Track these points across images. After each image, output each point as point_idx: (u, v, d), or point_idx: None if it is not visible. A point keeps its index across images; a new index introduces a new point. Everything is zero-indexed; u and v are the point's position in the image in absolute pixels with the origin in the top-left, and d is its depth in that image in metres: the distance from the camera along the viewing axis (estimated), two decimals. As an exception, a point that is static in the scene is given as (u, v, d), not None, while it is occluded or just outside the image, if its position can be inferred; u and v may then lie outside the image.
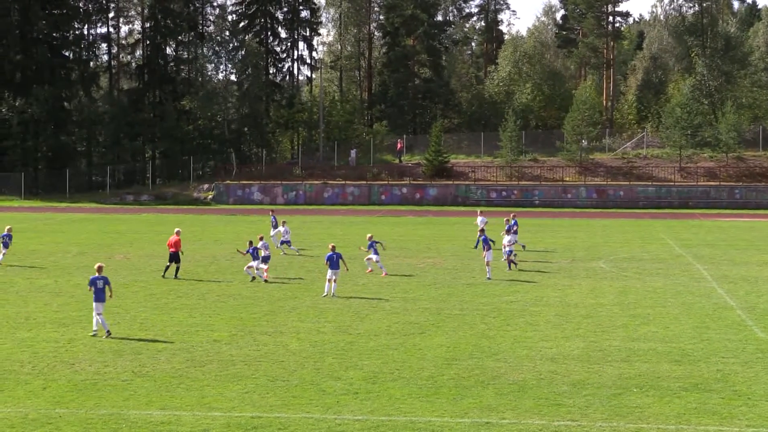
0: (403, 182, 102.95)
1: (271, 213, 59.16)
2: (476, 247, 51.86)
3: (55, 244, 56.34)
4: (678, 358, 26.18)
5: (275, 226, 54.68)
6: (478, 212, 60.27)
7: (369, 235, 45.25)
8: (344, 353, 26.58)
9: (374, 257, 43.14)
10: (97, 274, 29.16)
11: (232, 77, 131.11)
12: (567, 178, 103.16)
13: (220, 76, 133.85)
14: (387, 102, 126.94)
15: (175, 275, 41.72)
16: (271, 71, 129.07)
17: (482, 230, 47.11)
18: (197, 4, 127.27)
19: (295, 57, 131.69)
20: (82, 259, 48.64)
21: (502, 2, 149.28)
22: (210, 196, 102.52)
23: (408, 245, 56.32)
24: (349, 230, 67.07)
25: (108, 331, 28.53)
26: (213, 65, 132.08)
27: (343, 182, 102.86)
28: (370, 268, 43.77)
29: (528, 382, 23.43)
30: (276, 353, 26.60)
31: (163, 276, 41.87)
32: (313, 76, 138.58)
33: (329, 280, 36.93)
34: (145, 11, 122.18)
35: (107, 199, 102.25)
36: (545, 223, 74.03)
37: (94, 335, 28.65)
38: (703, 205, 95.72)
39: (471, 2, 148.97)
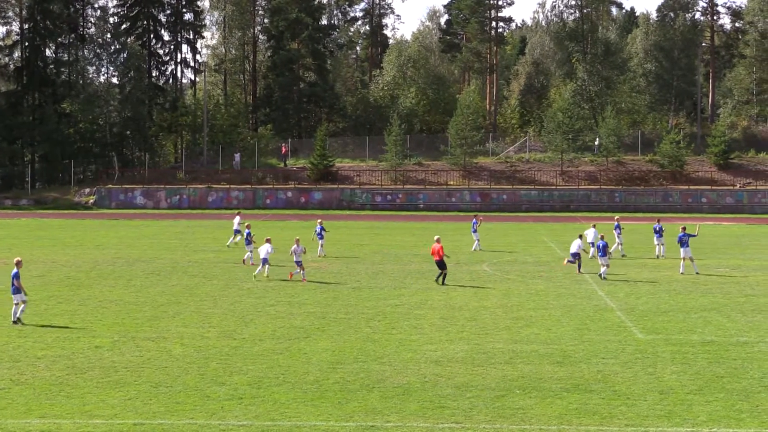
0: (288, 186, 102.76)
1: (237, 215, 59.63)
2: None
3: (-70, 250, 54.96)
4: (560, 359, 26.53)
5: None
6: (592, 225, 52.83)
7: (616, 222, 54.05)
8: (229, 358, 26.38)
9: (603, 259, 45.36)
10: None
11: (114, 80, 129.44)
12: (451, 182, 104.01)
13: (102, 78, 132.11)
14: (272, 106, 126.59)
15: (442, 281, 41.29)
16: (154, 74, 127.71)
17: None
18: (78, 6, 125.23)
19: (179, 60, 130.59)
20: (-42, 265, 47.51)
21: (386, 7, 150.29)
22: (91, 201, 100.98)
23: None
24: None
25: None
26: (94, 68, 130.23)
27: (228, 186, 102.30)
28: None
29: (412, 385, 23.51)
30: (159, 359, 26.29)
31: (441, 283, 41.18)
32: (197, 79, 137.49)
33: (684, 259, 45.36)
34: (24, 12, 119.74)
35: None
36: (430, 226, 74.44)
37: None
38: (584, 208, 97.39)
39: (356, 6, 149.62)
